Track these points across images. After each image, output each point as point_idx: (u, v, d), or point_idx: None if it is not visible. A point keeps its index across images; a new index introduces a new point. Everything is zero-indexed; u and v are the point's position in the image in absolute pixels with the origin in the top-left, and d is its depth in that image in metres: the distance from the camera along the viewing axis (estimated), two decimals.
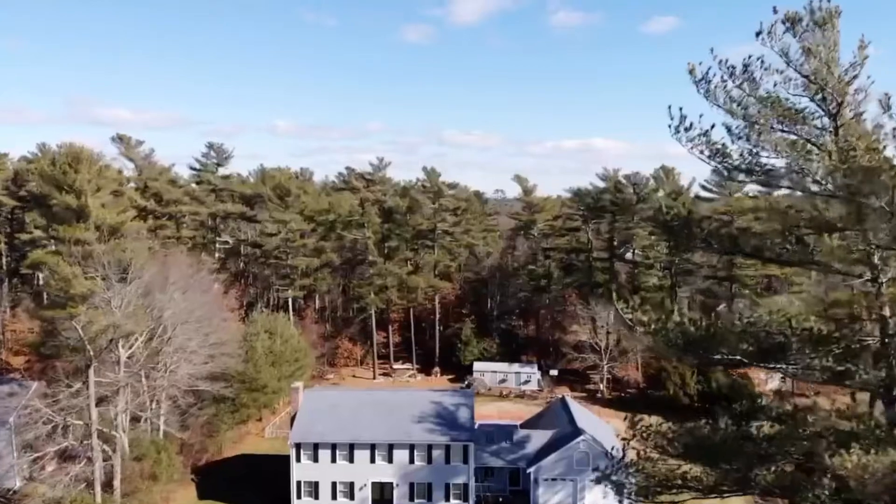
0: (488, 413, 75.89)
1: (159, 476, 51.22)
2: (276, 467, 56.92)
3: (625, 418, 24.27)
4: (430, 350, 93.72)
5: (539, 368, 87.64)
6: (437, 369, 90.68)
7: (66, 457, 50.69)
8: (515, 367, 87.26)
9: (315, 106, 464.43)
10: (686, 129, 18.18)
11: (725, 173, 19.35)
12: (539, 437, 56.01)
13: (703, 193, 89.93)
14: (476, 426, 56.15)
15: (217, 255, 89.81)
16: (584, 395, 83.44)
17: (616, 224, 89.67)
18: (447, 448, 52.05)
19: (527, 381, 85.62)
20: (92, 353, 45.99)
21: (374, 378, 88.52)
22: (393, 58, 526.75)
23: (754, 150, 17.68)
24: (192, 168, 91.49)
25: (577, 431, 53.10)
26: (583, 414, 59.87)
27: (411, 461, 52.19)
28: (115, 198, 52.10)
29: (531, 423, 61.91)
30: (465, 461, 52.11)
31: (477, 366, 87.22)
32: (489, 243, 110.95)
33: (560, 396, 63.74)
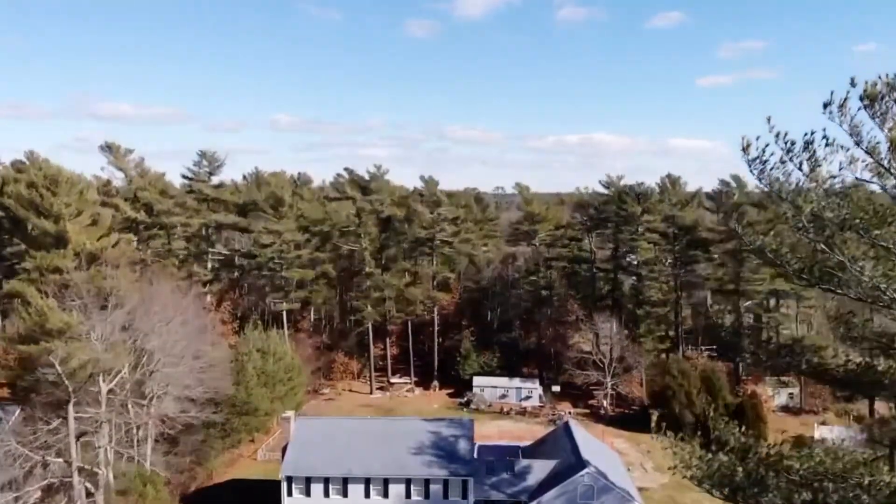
0: (488, 433, 73.63)
1: None
2: (268, 494, 54.37)
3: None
4: (428, 362, 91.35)
5: (540, 383, 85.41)
6: (435, 383, 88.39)
7: (51, 491, 48.41)
8: (516, 381, 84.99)
9: (317, 101, 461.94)
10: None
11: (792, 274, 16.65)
12: (541, 468, 53.66)
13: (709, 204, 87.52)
14: (475, 448, 54.02)
15: (210, 265, 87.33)
16: (586, 411, 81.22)
17: (620, 235, 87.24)
18: (445, 482, 49.82)
19: (528, 397, 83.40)
20: (71, 388, 43.64)
21: (371, 392, 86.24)
22: (396, 53, 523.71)
23: (821, 252, 15.17)
24: (184, 177, 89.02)
25: (582, 463, 50.68)
26: (587, 441, 57.46)
27: (408, 495, 49.95)
28: (98, 216, 49.60)
29: (533, 450, 59.65)
30: (465, 496, 49.88)
31: (477, 380, 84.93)
32: (490, 250, 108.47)
33: (564, 421, 61.44)
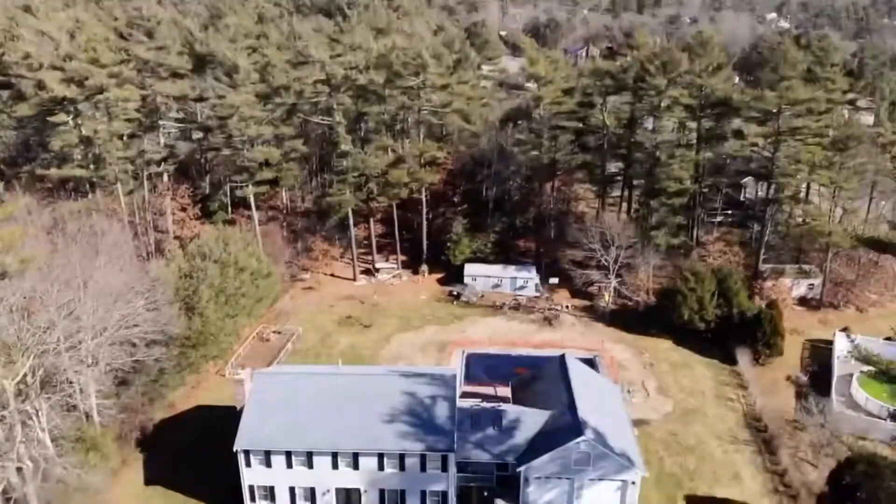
0: (479, 338, 67.97)
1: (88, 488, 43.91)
2: (234, 420, 47.95)
3: None
4: (417, 239, 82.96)
5: (537, 270, 78.08)
6: (424, 268, 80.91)
7: None
8: (511, 270, 77.63)
9: None
10: None
11: None
12: (532, 421, 47.89)
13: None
14: (464, 356, 47.36)
15: (163, 141, 75.97)
16: (586, 303, 74.64)
17: (639, 104, 74.58)
18: (423, 456, 44.22)
19: (523, 287, 76.50)
20: None
21: (355, 279, 79.19)
22: None
23: None
24: (120, 35, 73.98)
25: (578, 427, 44.60)
26: (584, 382, 50.96)
27: (381, 468, 44.65)
28: None
29: (524, 388, 53.68)
30: (444, 468, 44.54)
31: (468, 268, 77.55)
32: (485, 106, 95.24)
33: (559, 354, 54.72)
